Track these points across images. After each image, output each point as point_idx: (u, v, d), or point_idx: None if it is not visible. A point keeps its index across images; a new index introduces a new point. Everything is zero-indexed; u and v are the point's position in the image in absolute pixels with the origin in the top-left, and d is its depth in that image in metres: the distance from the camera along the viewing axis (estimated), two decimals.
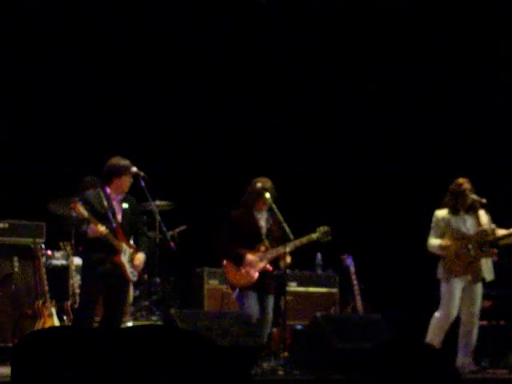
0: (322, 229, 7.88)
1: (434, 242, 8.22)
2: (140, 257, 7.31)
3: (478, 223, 8.27)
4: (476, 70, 11.21)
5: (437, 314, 8.16)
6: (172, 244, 8.21)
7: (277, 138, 11.47)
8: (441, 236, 8.22)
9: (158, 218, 8.54)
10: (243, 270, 7.64)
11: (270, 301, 7.73)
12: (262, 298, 7.69)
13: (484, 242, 8.19)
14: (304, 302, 9.91)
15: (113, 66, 10.70)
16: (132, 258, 7.24)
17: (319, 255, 10.33)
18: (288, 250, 7.67)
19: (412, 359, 2.95)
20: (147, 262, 8.68)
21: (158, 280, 9.38)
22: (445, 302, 8.13)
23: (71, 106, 10.51)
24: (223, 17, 11.04)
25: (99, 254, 7.09)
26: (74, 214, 7.22)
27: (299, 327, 9.39)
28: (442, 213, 8.26)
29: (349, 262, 9.86)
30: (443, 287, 8.17)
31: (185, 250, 8.75)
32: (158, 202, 8.71)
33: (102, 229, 7.00)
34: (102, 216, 7.10)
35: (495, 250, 8.24)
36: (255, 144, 11.20)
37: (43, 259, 8.63)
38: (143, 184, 7.70)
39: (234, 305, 8.31)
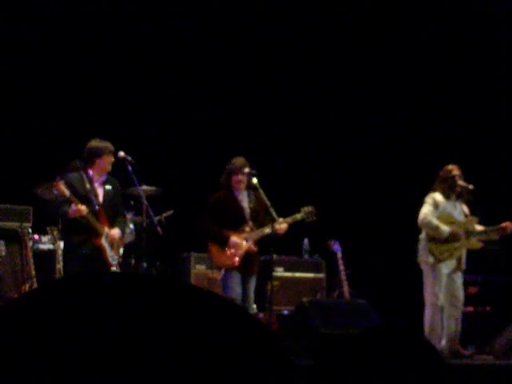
0: (307, 209, 7.79)
1: (434, 220, 8.12)
2: (115, 231, 7.28)
3: (465, 212, 8.29)
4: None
5: (428, 311, 8.12)
6: (159, 229, 8.20)
7: (262, 123, 11.45)
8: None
9: (145, 202, 8.51)
10: (228, 252, 7.54)
11: (253, 281, 7.65)
12: (245, 279, 7.61)
13: (472, 232, 8.19)
14: (290, 287, 9.91)
15: (99, 52, 10.66)
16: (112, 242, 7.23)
17: (306, 240, 10.33)
18: (273, 229, 7.51)
19: (398, 346, 2.94)
20: (134, 247, 8.66)
21: (144, 265, 9.35)
22: (430, 290, 8.09)
23: (59, 90, 10.47)
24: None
25: (80, 236, 7.06)
26: (55, 193, 7.15)
27: (285, 312, 9.38)
28: (437, 196, 8.25)
29: (336, 247, 9.86)
30: (428, 274, 8.14)
31: (172, 235, 8.74)
32: (144, 187, 8.68)
33: (82, 208, 6.96)
34: (84, 198, 7.08)
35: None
36: (242, 129, 11.17)
37: (30, 243, 8.61)
38: (130, 169, 7.69)
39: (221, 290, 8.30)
